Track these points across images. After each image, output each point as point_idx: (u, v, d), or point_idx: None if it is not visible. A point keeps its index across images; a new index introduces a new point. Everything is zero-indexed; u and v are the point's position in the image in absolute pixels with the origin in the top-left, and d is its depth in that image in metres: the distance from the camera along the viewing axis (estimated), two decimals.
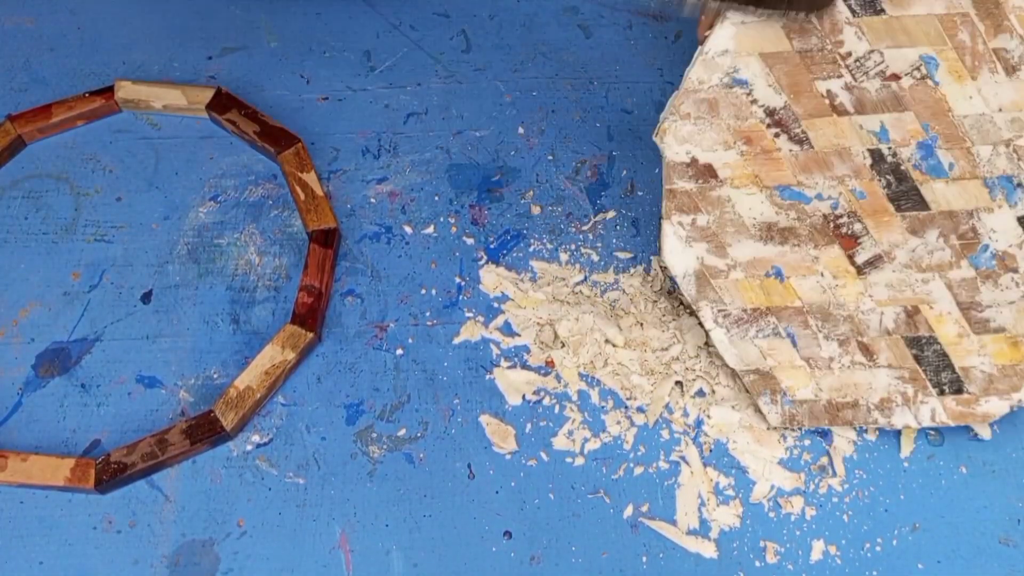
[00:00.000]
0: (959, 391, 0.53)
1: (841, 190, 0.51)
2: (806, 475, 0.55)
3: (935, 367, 0.53)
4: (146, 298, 0.59)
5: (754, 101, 0.50)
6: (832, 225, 0.51)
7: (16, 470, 0.52)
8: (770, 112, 0.50)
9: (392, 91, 0.68)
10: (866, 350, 0.53)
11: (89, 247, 0.61)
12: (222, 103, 0.64)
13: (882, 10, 0.48)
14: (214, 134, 0.65)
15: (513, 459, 0.55)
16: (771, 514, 0.54)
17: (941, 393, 0.53)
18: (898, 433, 0.56)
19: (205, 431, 0.54)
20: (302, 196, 0.61)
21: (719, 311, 0.53)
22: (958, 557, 0.53)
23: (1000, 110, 0.49)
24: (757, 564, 0.52)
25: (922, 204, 0.51)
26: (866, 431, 0.56)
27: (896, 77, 0.49)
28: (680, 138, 0.50)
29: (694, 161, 0.51)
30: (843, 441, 0.56)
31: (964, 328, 0.52)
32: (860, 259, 0.52)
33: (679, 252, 0.52)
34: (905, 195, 0.51)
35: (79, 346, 0.57)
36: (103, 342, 0.58)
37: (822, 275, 0.52)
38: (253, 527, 0.53)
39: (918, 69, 0.49)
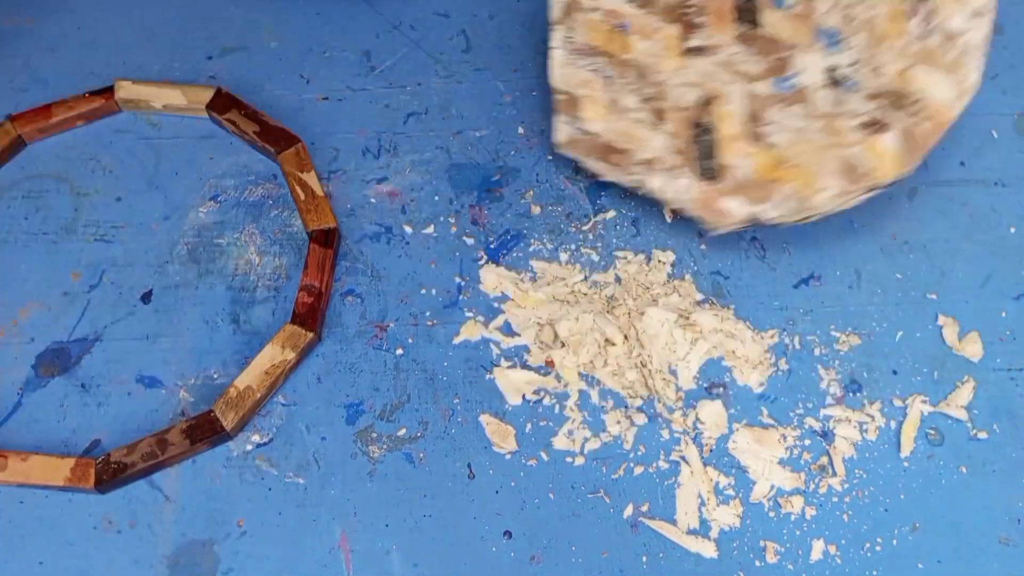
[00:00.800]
0: (713, 178, 0.58)
1: None
2: (806, 475, 0.55)
3: (705, 151, 0.58)
4: (146, 298, 0.59)
5: None
6: (681, 10, 0.59)
7: (16, 470, 0.52)
8: None
9: (392, 91, 0.68)
10: (658, 114, 0.59)
11: (89, 247, 0.61)
12: (222, 103, 0.64)
13: None
14: (214, 134, 0.65)
15: (513, 459, 0.55)
16: (771, 514, 0.54)
17: (699, 175, 0.58)
18: (898, 433, 0.56)
19: (205, 431, 0.54)
20: (302, 196, 0.62)
21: (567, 38, 0.60)
22: (958, 557, 0.53)
23: None
24: (757, 564, 0.52)
25: (755, 24, 0.58)
26: (867, 430, 0.56)
27: None
28: None
29: None
30: (843, 442, 0.56)
31: (742, 131, 0.57)
32: (690, 44, 0.59)
33: None
34: (747, 10, 0.58)
35: (79, 346, 0.57)
36: (103, 342, 0.58)
37: (654, 43, 0.59)
38: (253, 527, 0.53)
39: None
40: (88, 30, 0.70)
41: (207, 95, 0.65)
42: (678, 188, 0.58)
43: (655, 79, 0.59)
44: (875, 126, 0.57)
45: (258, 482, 0.54)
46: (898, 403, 0.57)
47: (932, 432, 0.56)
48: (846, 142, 0.57)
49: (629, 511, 0.53)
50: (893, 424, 0.56)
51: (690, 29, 0.59)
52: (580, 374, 0.57)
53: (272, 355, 0.56)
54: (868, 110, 0.57)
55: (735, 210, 0.57)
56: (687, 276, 0.60)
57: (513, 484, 0.54)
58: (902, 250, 0.63)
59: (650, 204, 0.63)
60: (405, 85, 0.68)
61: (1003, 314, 0.60)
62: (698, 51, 0.59)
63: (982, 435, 0.56)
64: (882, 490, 0.54)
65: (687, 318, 0.58)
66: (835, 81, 0.58)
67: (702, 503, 0.54)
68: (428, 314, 0.59)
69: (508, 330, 0.59)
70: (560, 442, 0.55)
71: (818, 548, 0.53)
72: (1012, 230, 0.63)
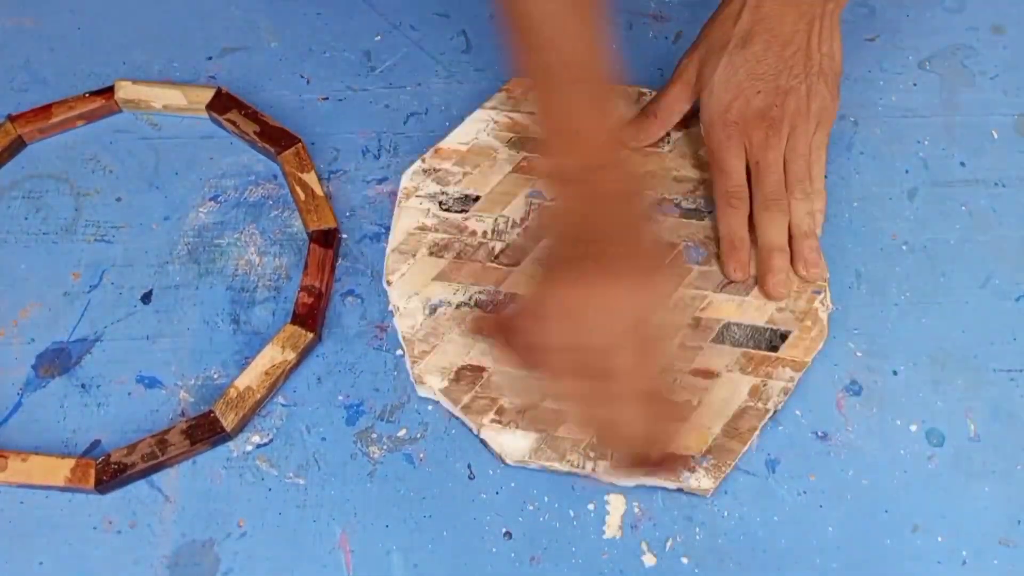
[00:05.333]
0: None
1: None
2: (807, 475, 0.55)
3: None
4: (146, 298, 0.59)
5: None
6: None
7: (16, 470, 0.52)
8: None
9: (392, 91, 0.68)
10: None
11: (89, 247, 0.61)
12: (222, 103, 0.64)
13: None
14: (214, 134, 0.65)
15: None
16: (776, 517, 0.54)
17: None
18: (898, 432, 0.56)
19: (205, 431, 0.54)
20: (302, 196, 0.61)
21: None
22: (958, 557, 0.53)
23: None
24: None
25: None
26: (867, 430, 0.56)
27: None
28: None
29: None
30: (843, 442, 0.56)
31: None
32: None
33: None
34: None
35: (79, 346, 0.57)
36: (103, 342, 0.58)
37: None
38: (253, 527, 0.53)
39: None
40: (88, 30, 0.70)
41: (207, 95, 0.65)
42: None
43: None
44: None
45: (258, 482, 0.54)
46: (898, 403, 0.57)
47: (934, 437, 0.56)
48: None
49: (629, 511, 0.53)
50: (895, 424, 0.56)
51: None
52: None
53: (272, 355, 0.56)
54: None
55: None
56: None
57: (513, 485, 0.54)
58: (902, 250, 0.62)
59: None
60: (405, 85, 0.68)
61: (1003, 314, 0.60)
62: None
63: (982, 435, 0.56)
64: (882, 490, 0.54)
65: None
66: None
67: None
68: None
69: None
70: None
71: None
72: (1012, 230, 0.63)
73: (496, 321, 0.51)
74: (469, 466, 0.55)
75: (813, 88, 0.58)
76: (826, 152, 0.61)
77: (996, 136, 0.67)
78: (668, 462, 0.50)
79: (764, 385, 0.56)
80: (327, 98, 0.67)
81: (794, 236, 0.59)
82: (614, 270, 0.46)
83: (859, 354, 0.59)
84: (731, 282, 0.59)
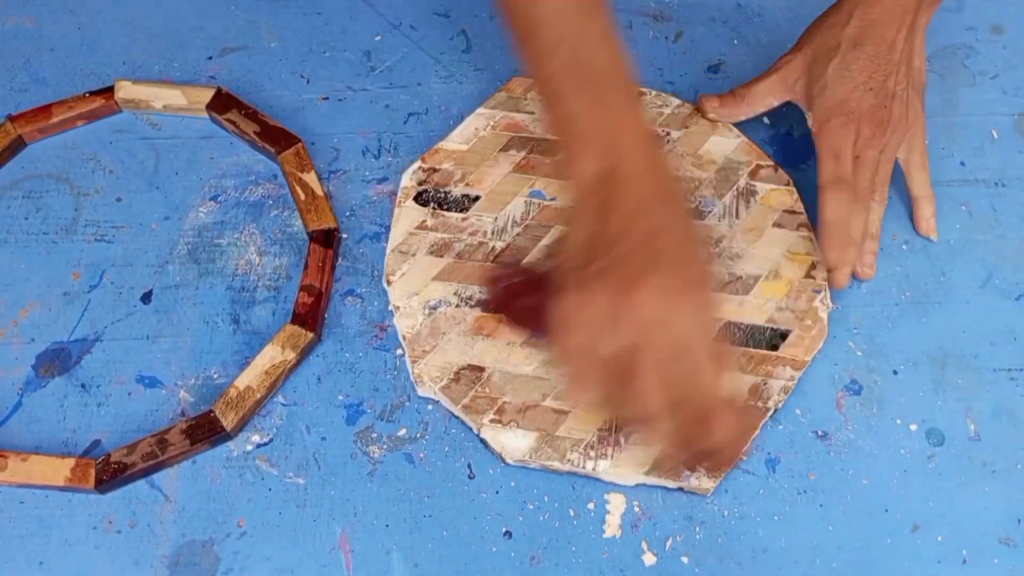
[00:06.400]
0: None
1: None
2: (807, 474, 0.55)
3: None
4: (146, 298, 0.59)
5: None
6: None
7: (16, 470, 0.52)
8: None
9: (392, 91, 0.68)
10: None
11: (89, 247, 0.61)
12: (222, 103, 0.64)
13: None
14: (214, 134, 0.65)
15: None
16: (775, 516, 0.54)
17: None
18: (898, 432, 0.56)
19: (205, 431, 0.54)
20: (302, 196, 0.61)
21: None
22: (958, 557, 0.53)
23: None
24: None
25: None
26: (867, 431, 0.56)
27: None
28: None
29: None
30: (843, 442, 0.56)
31: None
32: None
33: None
34: None
35: (79, 346, 0.57)
36: (103, 342, 0.58)
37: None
38: (253, 527, 0.53)
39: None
40: (88, 30, 0.70)
41: (207, 95, 0.65)
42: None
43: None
44: None
45: (258, 482, 0.54)
46: (898, 403, 0.57)
47: (933, 437, 0.56)
48: None
49: (629, 511, 0.53)
50: (895, 423, 0.56)
51: None
52: None
53: (272, 355, 0.56)
54: None
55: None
56: None
57: (513, 484, 0.54)
58: (902, 250, 0.63)
59: None
60: (405, 85, 0.68)
61: (1003, 314, 0.60)
62: None
63: (982, 435, 0.56)
64: (882, 490, 0.54)
65: None
66: None
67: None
68: None
69: None
70: None
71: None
72: (1012, 230, 0.63)
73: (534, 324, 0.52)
74: (469, 466, 0.55)
75: (911, 98, 0.61)
76: (928, 160, 0.62)
77: (996, 136, 0.67)
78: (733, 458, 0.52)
79: (764, 384, 0.56)
80: (327, 98, 0.67)
81: (863, 234, 0.60)
82: (674, 281, 0.46)
83: (859, 353, 0.59)
84: (731, 281, 0.59)
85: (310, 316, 0.57)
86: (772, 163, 0.64)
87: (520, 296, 0.54)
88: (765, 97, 0.64)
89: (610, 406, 0.51)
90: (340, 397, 0.56)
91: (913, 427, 0.56)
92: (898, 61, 0.59)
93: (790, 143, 0.66)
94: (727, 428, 0.46)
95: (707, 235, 0.61)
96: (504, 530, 0.53)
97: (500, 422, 0.54)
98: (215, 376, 0.57)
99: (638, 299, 0.45)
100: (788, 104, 0.64)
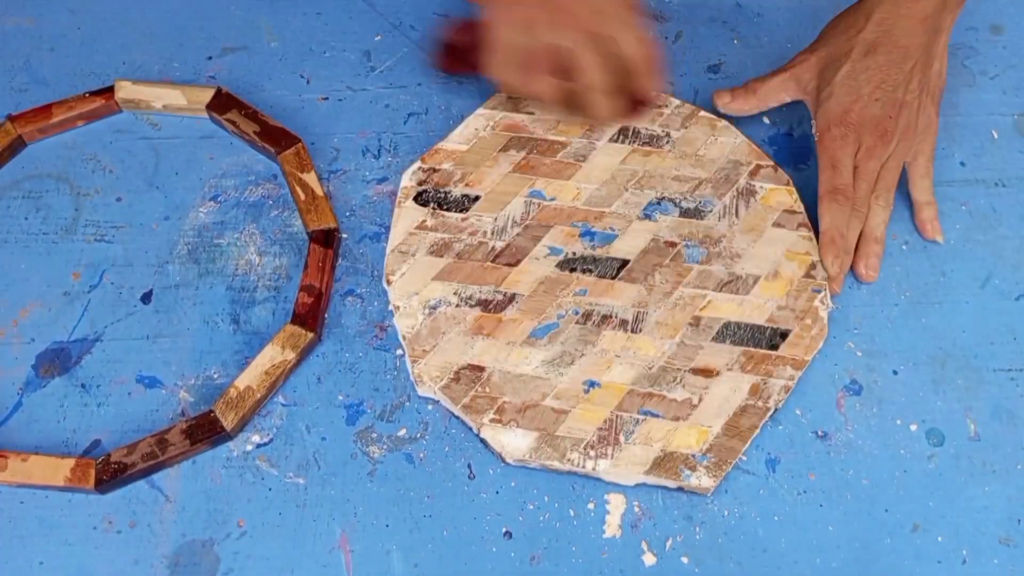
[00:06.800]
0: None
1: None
2: (807, 474, 0.55)
3: None
4: (146, 298, 0.59)
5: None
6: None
7: (16, 470, 0.52)
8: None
9: (392, 91, 0.68)
10: None
11: (89, 247, 0.61)
12: (222, 103, 0.64)
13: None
14: (214, 134, 0.65)
15: None
16: (775, 516, 0.54)
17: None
18: (898, 432, 0.56)
19: (205, 431, 0.54)
20: (302, 196, 0.61)
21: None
22: (958, 557, 0.53)
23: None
24: None
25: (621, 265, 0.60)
26: (867, 431, 0.56)
27: None
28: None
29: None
30: (843, 443, 0.56)
31: None
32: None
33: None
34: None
35: (79, 346, 0.57)
36: (103, 342, 0.58)
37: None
38: (253, 527, 0.53)
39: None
40: (88, 30, 0.70)
41: (207, 95, 0.65)
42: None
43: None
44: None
45: (258, 482, 0.54)
46: (898, 403, 0.57)
47: (933, 437, 0.56)
48: None
49: (629, 511, 0.53)
50: (895, 423, 0.56)
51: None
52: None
53: (272, 355, 0.56)
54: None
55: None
56: None
57: (513, 484, 0.54)
58: (902, 250, 0.63)
59: None
60: (405, 85, 0.68)
61: (1003, 314, 0.60)
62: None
63: (982, 435, 0.56)
64: (882, 490, 0.54)
65: None
66: None
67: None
68: None
69: None
70: None
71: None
72: (1012, 230, 0.63)
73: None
74: (469, 466, 0.55)
75: (923, 106, 0.61)
76: (933, 166, 0.63)
77: (996, 136, 0.67)
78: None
79: (764, 384, 0.56)
80: (327, 98, 0.67)
81: (865, 237, 0.60)
82: None
83: (859, 354, 0.59)
84: (731, 281, 0.59)
85: (310, 316, 0.57)
86: (772, 163, 0.64)
87: (462, 45, 0.62)
88: (778, 93, 0.64)
89: (550, 91, 0.59)
90: (340, 397, 0.56)
91: (913, 427, 0.56)
92: (911, 69, 0.59)
93: (790, 143, 0.66)
94: (635, 48, 0.57)
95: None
96: (504, 530, 0.53)
97: (500, 422, 0.54)
98: (215, 376, 0.57)
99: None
100: (790, 103, 0.64)
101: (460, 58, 0.63)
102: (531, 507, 0.53)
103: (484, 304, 0.58)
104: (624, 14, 0.57)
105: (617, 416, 0.55)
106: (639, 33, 0.57)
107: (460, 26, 0.63)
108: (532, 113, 0.65)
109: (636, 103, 0.61)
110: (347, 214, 0.62)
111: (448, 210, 0.61)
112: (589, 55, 0.56)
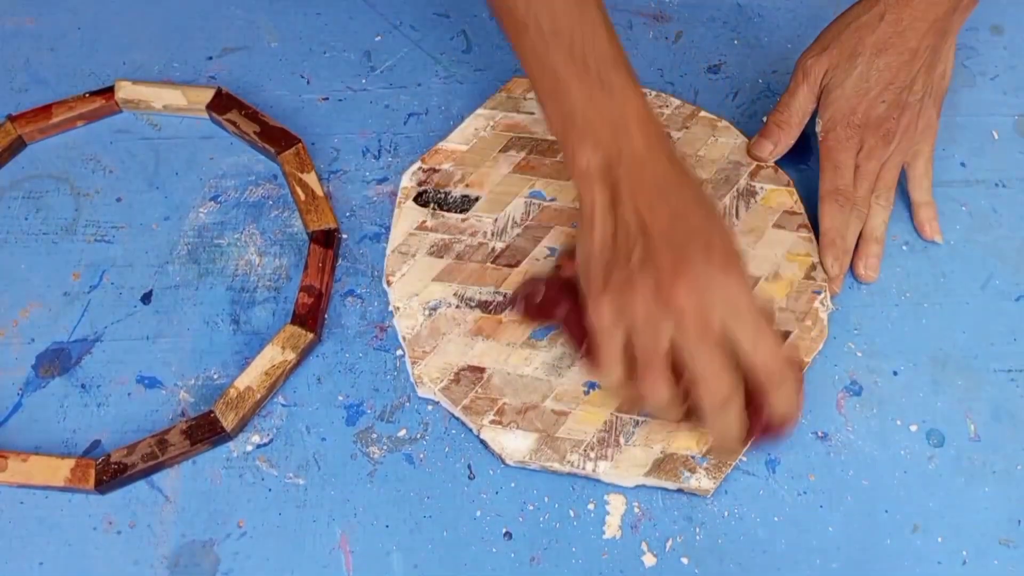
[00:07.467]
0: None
1: None
2: (807, 475, 0.55)
3: None
4: (146, 298, 0.59)
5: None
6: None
7: (16, 470, 0.52)
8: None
9: (392, 91, 0.68)
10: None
11: (89, 247, 0.61)
12: (222, 103, 0.64)
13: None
14: (214, 134, 0.65)
15: None
16: (776, 519, 0.54)
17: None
18: (898, 432, 0.56)
19: (205, 431, 0.54)
20: (302, 196, 0.61)
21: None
22: (958, 557, 0.53)
23: None
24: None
25: None
26: (867, 431, 0.56)
27: None
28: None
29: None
30: (843, 443, 0.56)
31: None
32: None
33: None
34: None
35: (79, 346, 0.57)
36: (103, 342, 0.58)
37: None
38: (253, 527, 0.53)
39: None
40: (88, 30, 0.70)
41: (207, 95, 0.65)
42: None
43: None
44: None
45: (258, 482, 0.54)
46: (898, 403, 0.57)
47: (933, 437, 0.56)
48: None
49: (629, 511, 0.53)
50: (895, 424, 0.56)
51: None
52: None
53: (272, 355, 0.56)
54: None
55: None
56: None
57: (513, 485, 0.54)
58: (902, 251, 0.63)
59: None
60: (405, 85, 0.68)
61: (1003, 315, 0.60)
62: None
63: (982, 436, 0.56)
64: (882, 490, 0.54)
65: None
66: None
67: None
68: None
69: None
70: None
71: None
72: (1012, 230, 0.63)
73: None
74: (469, 466, 0.55)
75: (925, 107, 0.61)
76: (932, 166, 0.63)
77: (996, 136, 0.67)
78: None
79: None
80: (327, 98, 0.67)
81: (865, 238, 0.61)
82: (708, 267, 0.46)
83: (859, 354, 0.59)
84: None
85: (310, 316, 0.57)
86: (772, 164, 0.64)
87: (557, 304, 0.55)
88: (806, 109, 0.62)
89: (676, 403, 0.50)
90: (340, 398, 0.56)
91: (913, 428, 0.56)
92: (918, 70, 0.59)
93: None
94: (790, 395, 0.48)
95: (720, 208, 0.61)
96: (504, 531, 0.53)
97: (500, 423, 0.54)
98: (215, 376, 0.57)
99: (681, 295, 0.45)
100: None
101: (546, 313, 0.56)
102: (531, 508, 0.53)
103: (484, 305, 0.58)
104: (756, 313, 0.47)
105: (617, 418, 0.55)
106: (771, 334, 0.47)
107: (545, 283, 0.56)
108: (532, 113, 0.65)
109: (763, 425, 0.50)
110: (347, 214, 0.62)
111: (448, 211, 0.61)
112: (713, 363, 0.46)
